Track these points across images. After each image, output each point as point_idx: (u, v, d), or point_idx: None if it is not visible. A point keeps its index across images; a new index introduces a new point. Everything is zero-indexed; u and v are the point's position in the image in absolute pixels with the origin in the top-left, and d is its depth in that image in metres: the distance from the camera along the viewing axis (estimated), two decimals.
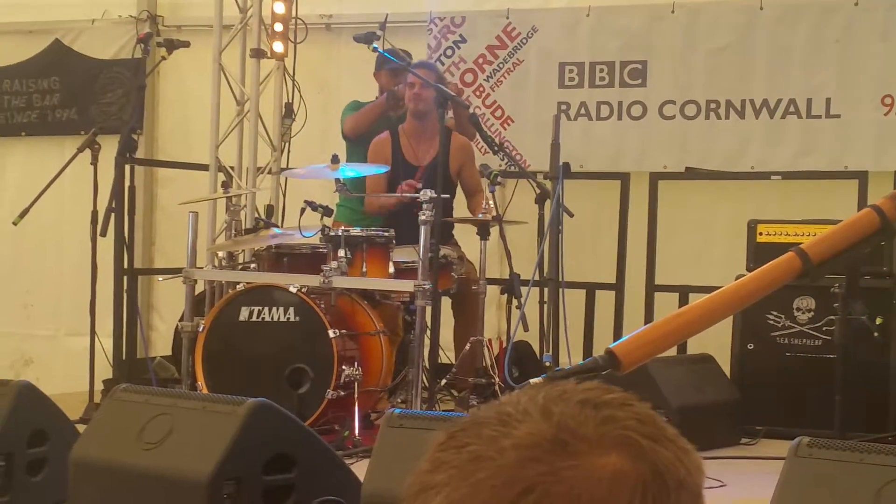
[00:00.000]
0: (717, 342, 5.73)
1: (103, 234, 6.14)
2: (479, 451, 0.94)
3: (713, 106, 7.24)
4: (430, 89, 6.10)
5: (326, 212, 6.03)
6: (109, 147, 6.51)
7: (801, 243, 4.22)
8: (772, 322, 5.83)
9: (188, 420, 3.76)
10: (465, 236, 6.45)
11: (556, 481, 0.91)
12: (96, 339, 6.31)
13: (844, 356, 4.61)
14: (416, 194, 5.49)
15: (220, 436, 3.62)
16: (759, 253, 5.82)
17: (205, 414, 3.76)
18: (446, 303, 6.09)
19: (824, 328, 5.70)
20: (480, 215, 5.89)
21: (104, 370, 6.55)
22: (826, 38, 7.02)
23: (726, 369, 5.90)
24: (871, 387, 5.47)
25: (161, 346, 7.56)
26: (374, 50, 5.95)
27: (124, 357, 6.58)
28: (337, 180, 5.88)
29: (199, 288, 6.42)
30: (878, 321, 5.44)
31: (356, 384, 5.41)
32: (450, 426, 1.00)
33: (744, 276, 4.94)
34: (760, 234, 5.98)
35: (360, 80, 7.35)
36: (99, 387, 6.40)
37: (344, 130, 6.83)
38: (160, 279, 7.37)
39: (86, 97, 8.50)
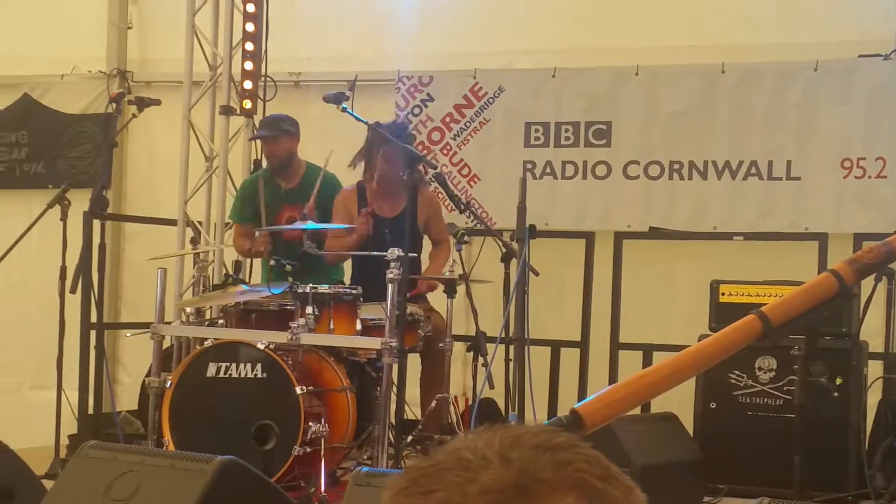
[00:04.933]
0: (680, 401, 5.79)
1: (73, 291, 6.15)
2: (446, 498, 1.00)
3: (676, 167, 7.35)
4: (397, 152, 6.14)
5: (294, 269, 6.08)
6: (78, 202, 6.54)
7: (762, 304, 4.30)
8: (734, 381, 5.90)
9: (156, 477, 3.78)
10: (432, 293, 6.51)
11: None
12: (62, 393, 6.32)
13: (803, 417, 4.68)
14: (384, 253, 5.53)
15: (188, 493, 3.64)
16: (721, 312, 5.91)
17: (173, 471, 3.78)
18: (412, 358, 6.13)
19: (785, 388, 5.77)
20: (447, 273, 5.95)
21: (69, 425, 6.54)
22: (786, 101, 7.16)
23: (689, 427, 5.96)
24: (830, 447, 5.55)
25: (126, 400, 7.55)
26: (344, 110, 6.01)
27: (90, 411, 6.58)
28: (306, 238, 5.94)
29: (167, 343, 6.44)
30: (838, 381, 5.52)
31: (322, 441, 5.43)
32: (409, 471, 1.06)
33: (706, 335, 5.03)
34: (723, 294, 6.07)
35: (328, 137, 7.41)
36: (64, 441, 6.39)
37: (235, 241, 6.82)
38: (128, 334, 7.37)
39: (54, 151, 8.53)
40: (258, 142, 7.23)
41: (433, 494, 1.01)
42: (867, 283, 5.35)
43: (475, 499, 0.99)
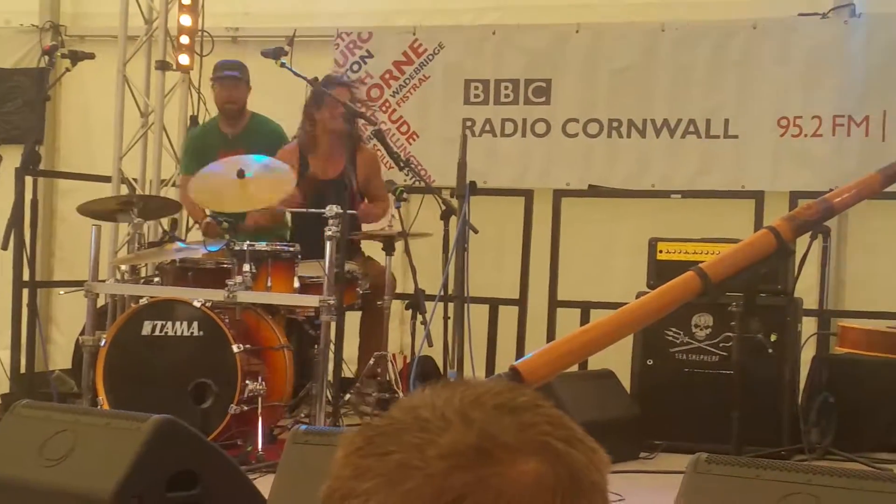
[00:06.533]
0: (617, 358, 5.82)
1: (4, 247, 6.06)
2: (404, 460, 0.96)
3: (615, 125, 7.35)
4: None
5: (231, 226, 6.03)
6: (10, 158, 6.44)
7: (699, 261, 4.33)
8: (671, 338, 5.94)
9: (91, 436, 3.73)
10: (370, 251, 6.48)
11: (483, 489, 0.95)
12: None
13: (741, 373, 4.73)
14: (322, 210, 5.48)
15: (124, 452, 3.60)
16: (659, 270, 5.94)
17: (108, 430, 3.73)
18: (350, 316, 6.10)
19: (721, 345, 5.82)
20: (387, 227, 5.92)
21: (1, 384, 6.45)
22: (725, 60, 7.17)
23: (626, 385, 6.00)
24: (766, 402, 5.61)
25: (60, 359, 7.46)
26: (283, 65, 5.95)
27: (23, 370, 6.49)
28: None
29: (101, 301, 6.36)
30: (773, 338, 5.57)
31: (260, 399, 5.40)
32: (365, 430, 1.02)
33: (645, 293, 5.05)
34: (661, 251, 6.10)
35: (266, 93, 7.32)
36: None
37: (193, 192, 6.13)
38: (62, 292, 7.27)
39: None
40: (195, 97, 7.15)
41: (390, 456, 0.97)
42: (802, 241, 5.38)
43: (434, 462, 0.95)
